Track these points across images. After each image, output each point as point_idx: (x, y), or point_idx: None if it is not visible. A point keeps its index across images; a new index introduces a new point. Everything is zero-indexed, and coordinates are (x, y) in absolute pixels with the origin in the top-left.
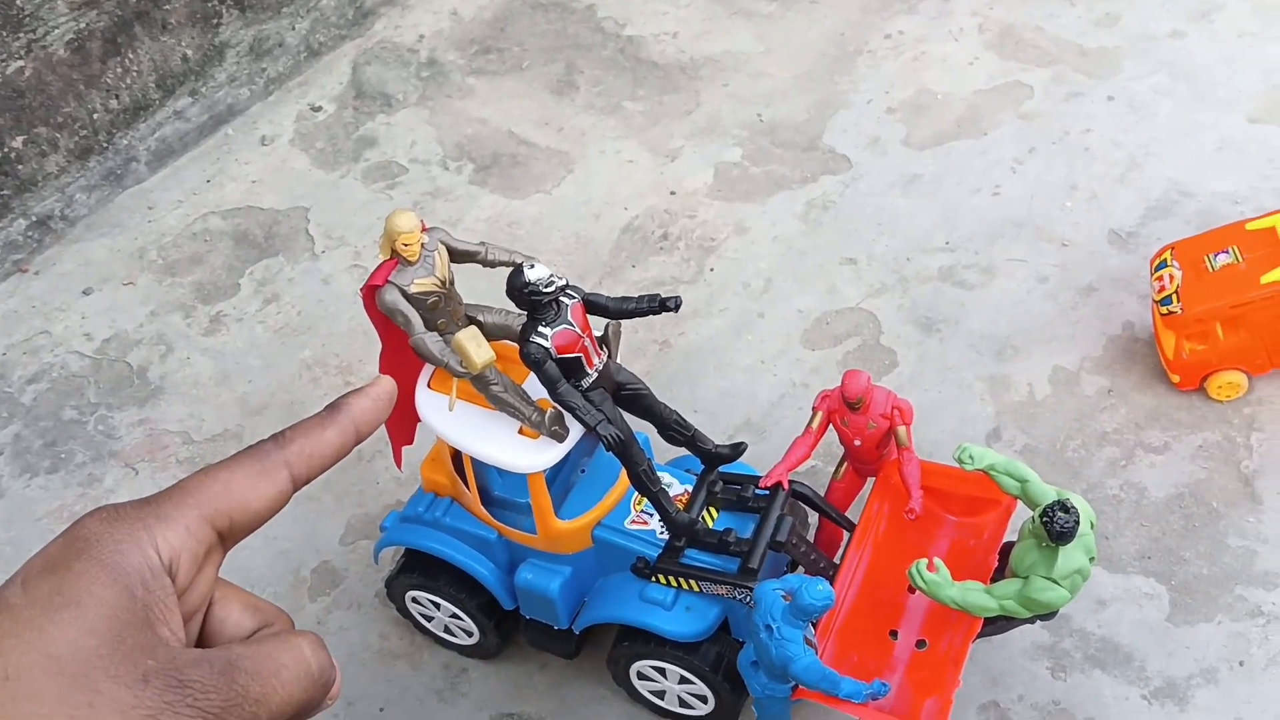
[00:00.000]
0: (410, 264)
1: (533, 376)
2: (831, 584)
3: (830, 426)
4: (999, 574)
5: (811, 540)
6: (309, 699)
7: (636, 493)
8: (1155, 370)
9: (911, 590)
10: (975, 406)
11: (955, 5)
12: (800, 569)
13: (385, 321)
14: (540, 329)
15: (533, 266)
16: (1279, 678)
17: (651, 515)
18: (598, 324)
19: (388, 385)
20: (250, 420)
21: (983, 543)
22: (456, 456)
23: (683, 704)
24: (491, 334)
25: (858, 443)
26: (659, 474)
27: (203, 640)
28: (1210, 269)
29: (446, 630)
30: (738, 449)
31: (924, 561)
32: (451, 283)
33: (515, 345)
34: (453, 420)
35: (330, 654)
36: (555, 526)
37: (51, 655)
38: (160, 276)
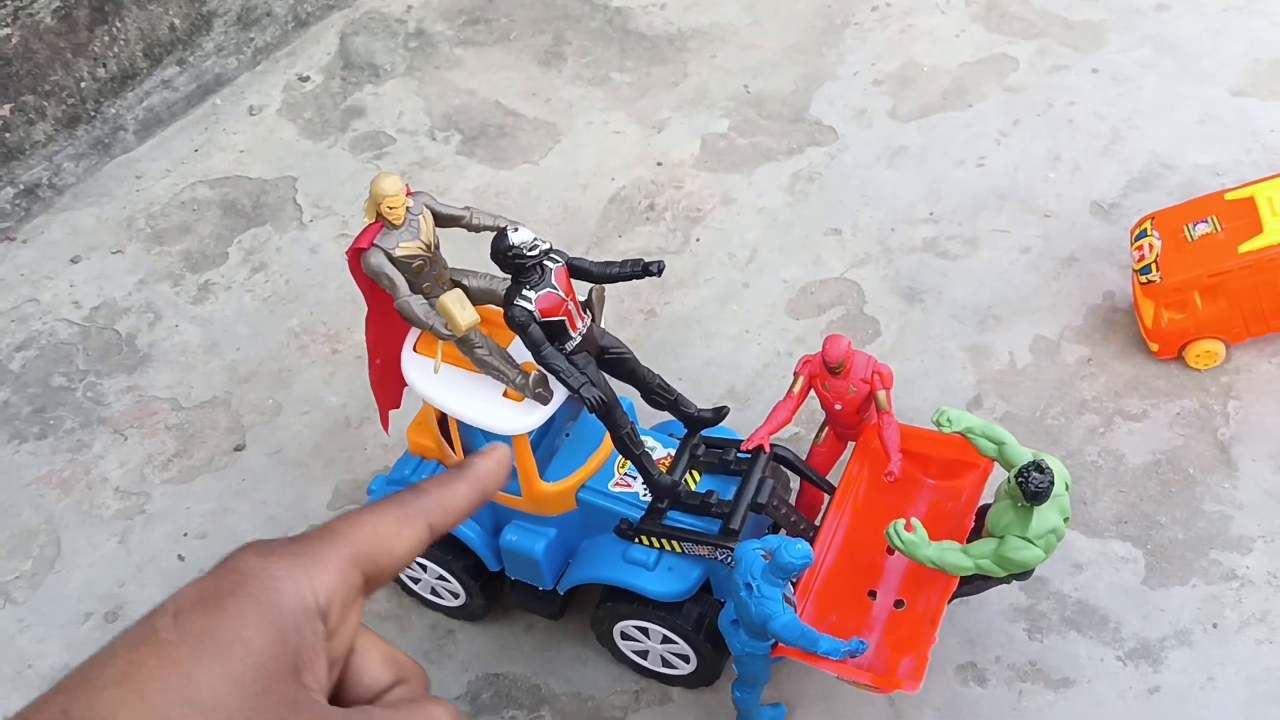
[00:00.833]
0: (395, 227)
1: (518, 340)
2: (811, 545)
3: (812, 391)
4: (976, 535)
5: (793, 503)
6: None
7: (620, 456)
8: (1135, 339)
9: (890, 551)
10: (957, 375)
11: None
12: (781, 531)
13: (371, 285)
14: (524, 293)
15: (516, 230)
16: (1252, 639)
17: (635, 478)
18: (582, 289)
19: (506, 452)
20: (238, 387)
21: (960, 505)
22: (442, 420)
23: (665, 664)
24: (476, 298)
25: (838, 407)
26: (642, 438)
27: (340, 689)
28: (1189, 239)
29: (433, 592)
30: (719, 413)
31: (901, 522)
32: (436, 246)
33: (500, 309)
34: (438, 383)
35: None
36: (540, 489)
37: (196, 704)
38: (148, 245)
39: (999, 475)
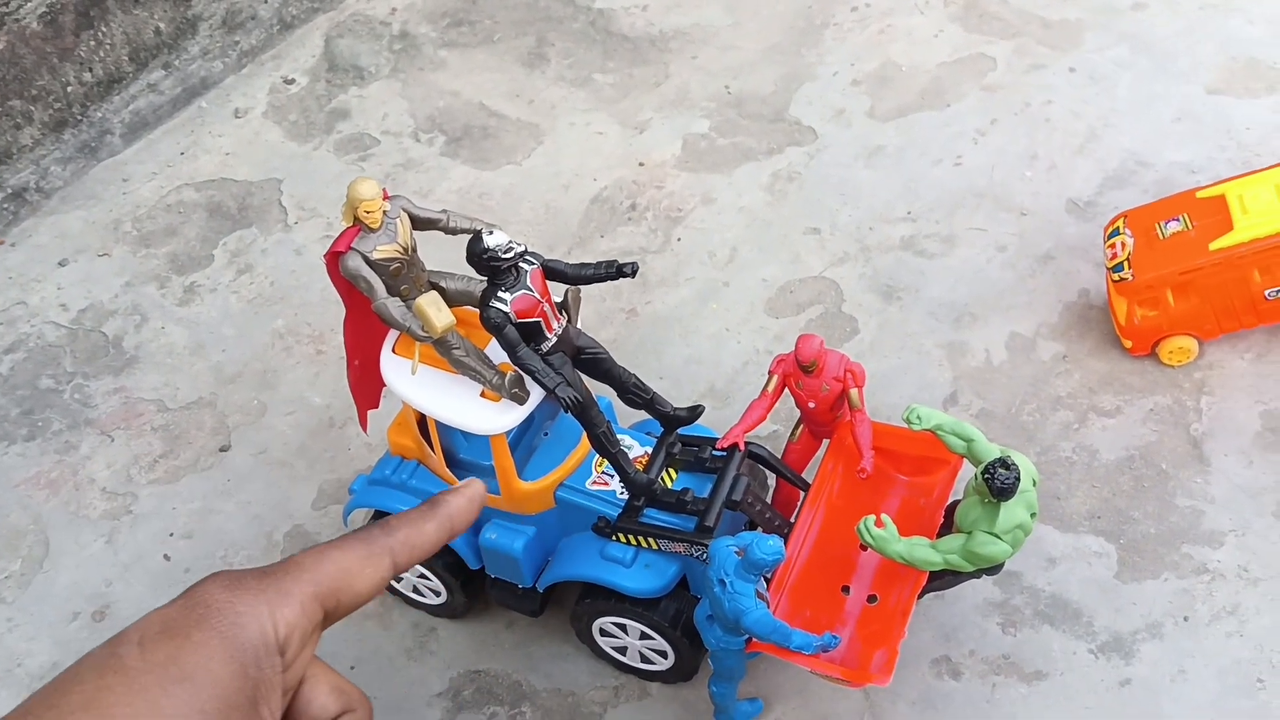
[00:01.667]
0: (373, 231)
1: (495, 341)
2: (786, 541)
3: (786, 390)
4: (946, 531)
5: (769, 500)
6: None
7: (597, 454)
8: (1109, 336)
9: (863, 548)
10: (934, 372)
11: None
12: (757, 528)
13: (349, 287)
14: (500, 294)
15: (491, 233)
16: (1222, 632)
17: (612, 476)
18: (557, 290)
19: (479, 488)
20: (224, 389)
21: (931, 501)
22: (422, 420)
23: (644, 659)
24: (453, 300)
25: (812, 405)
26: (619, 436)
27: (289, 717)
28: (1161, 236)
29: (415, 590)
30: (695, 411)
31: (872, 518)
32: (414, 249)
33: (476, 311)
34: (416, 384)
35: None
36: (518, 487)
37: None
38: (135, 248)
39: (969, 472)
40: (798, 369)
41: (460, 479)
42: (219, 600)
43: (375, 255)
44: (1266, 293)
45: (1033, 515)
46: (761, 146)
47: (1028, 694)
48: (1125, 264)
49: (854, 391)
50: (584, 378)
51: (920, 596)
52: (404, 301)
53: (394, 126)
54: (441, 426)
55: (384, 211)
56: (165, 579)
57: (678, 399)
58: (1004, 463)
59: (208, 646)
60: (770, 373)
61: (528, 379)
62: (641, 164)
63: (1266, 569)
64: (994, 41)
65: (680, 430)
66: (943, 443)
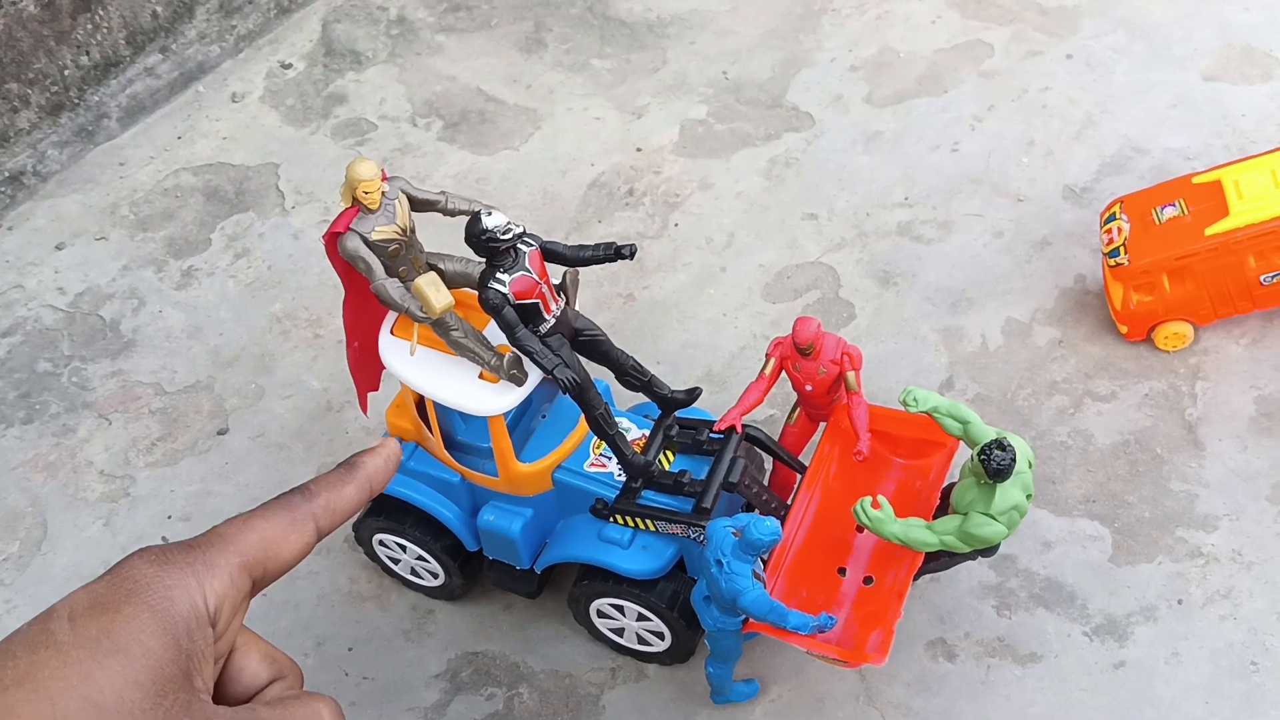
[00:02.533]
0: (371, 212)
1: (493, 323)
2: (783, 523)
3: (783, 373)
4: (942, 512)
5: (766, 483)
6: None
7: (595, 437)
8: (1105, 322)
9: (860, 529)
10: (930, 357)
11: None
12: (754, 510)
13: (347, 269)
14: (498, 275)
15: (490, 214)
16: (1216, 615)
17: (610, 458)
18: (556, 272)
19: (395, 447)
20: (221, 372)
21: (928, 483)
22: (420, 402)
23: (641, 641)
24: (452, 281)
25: (809, 388)
26: (617, 419)
27: (220, 685)
28: (1157, 222)
29: (413, 573)
30: (692, 394)
31: (869, 499)
32: (412, 231)
33: (475, 292)
34: (415, 365)
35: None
36: (516, 469)
37: (97, 704)
38: (132, 231)
39: (966, 454)
40: (795, 352)
41: (459, 461)
42: (146, 575)
43: (374, 236)
44: (1262, 278)
45: (1028, 497)
46: (759, 132)
47: (1022, 676)
48: (1121, 249)
49: (851, 374)
50: (582, 360)
51: (916, 578)
52: (402, 283)
53: (391, 111)
54: (440, 408)
55: (383, 193)
56: None
57: (675, 383)
58: (1000, 444)
59: (138, 620)
60: (767, 356)
61: (526, 360)
62: (639, 149)
63: (1260, 553)
64: (991, 28)
65: (678, 413)
66: (939, 425)
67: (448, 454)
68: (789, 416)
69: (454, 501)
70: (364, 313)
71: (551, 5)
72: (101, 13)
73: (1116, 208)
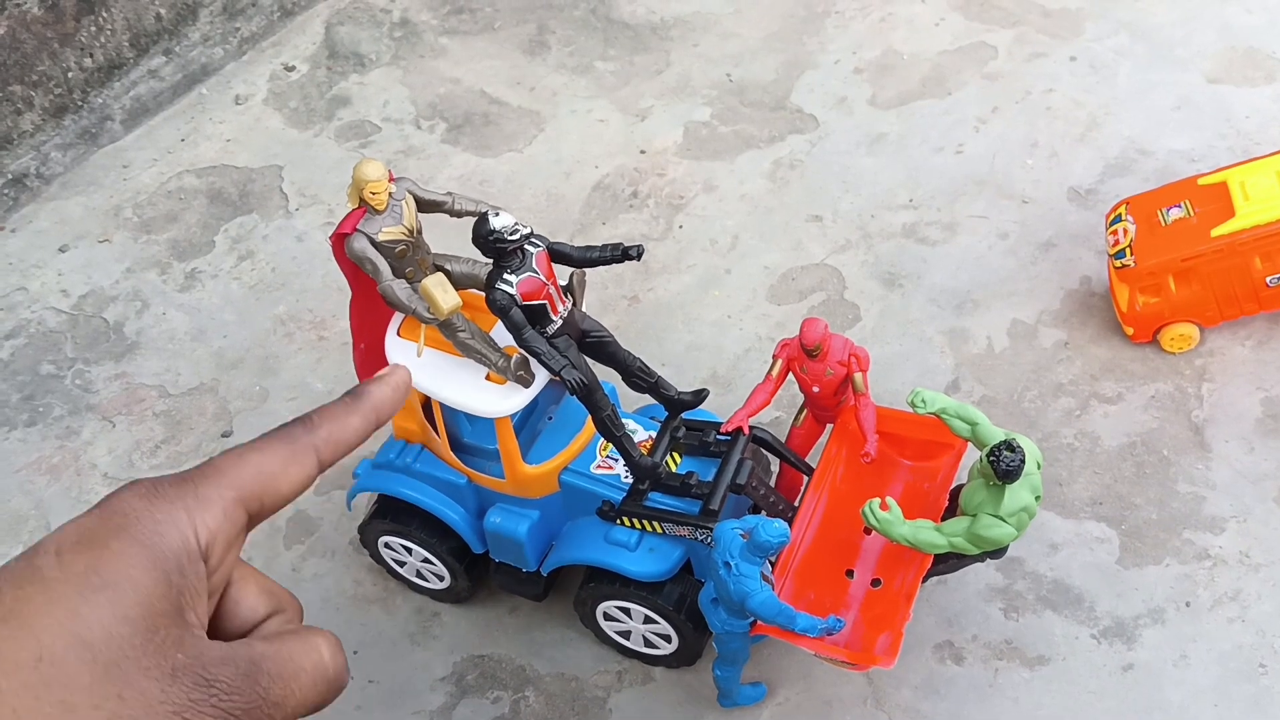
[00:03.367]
0: (378, 213)
1: (500, 324)
2: (790, 525)
3: (790, 374)
4: (950, 514)
5: (773, 485)
6: (323, 701)
7: (602, 439)
8: (1111, 323)
9: (867, 531)
10: (935, 359)
11: None
12: (761, 511)
13: (354, 269)
14: (506, 276)
15: (497, 214)
16: (1224, 618)
17: (617, 460)
18: (563, 273)
19: (404, 374)
20: (225, 374)
21: (936, 485)
22: (426, 404)
23: (647, 644)
24: (459, 282)
25: (816, 389)
26: (623, 420)
27: (216, 620)
28: (1163, 223)
29: (418, 575)
30: (699, 395)
31: (877, 501)
32: (419, 231)
33: (482, 293)
34: (422, 367)
35: (344, 655)
36: (523, 471)
37: (85, 640)
38: (136, 234)
39: (973, 456)
40: (802, 353)
41: (465, 463)
42: (136, 509)
43: (381, 237)
44: (1268, 279)
45: (1037, 498)
46: (763, 134)
47: (1030, 678)
48: (1127, 251)
49: (858, 375)
50: (589, 361)
51: (924, 580)
52: (409, 284)
53: (395, 114)
54: (446, 409)
55: (389, 193)
56: None
57: (680, 386)
58: (1009, 445)
59: (127, 555)
60: (774, 357)
61: (533, 362)
62: (643, 151)
63: (1268, 555)
64: (995, 30)
65: (684, 415)
66: (947, 426)
67: (454, 456)
68: (796, 418)
69: (460, 504)
70: (371, 314)
71: (555, 7)
72: (105, 15)
73: (1122, 209)
